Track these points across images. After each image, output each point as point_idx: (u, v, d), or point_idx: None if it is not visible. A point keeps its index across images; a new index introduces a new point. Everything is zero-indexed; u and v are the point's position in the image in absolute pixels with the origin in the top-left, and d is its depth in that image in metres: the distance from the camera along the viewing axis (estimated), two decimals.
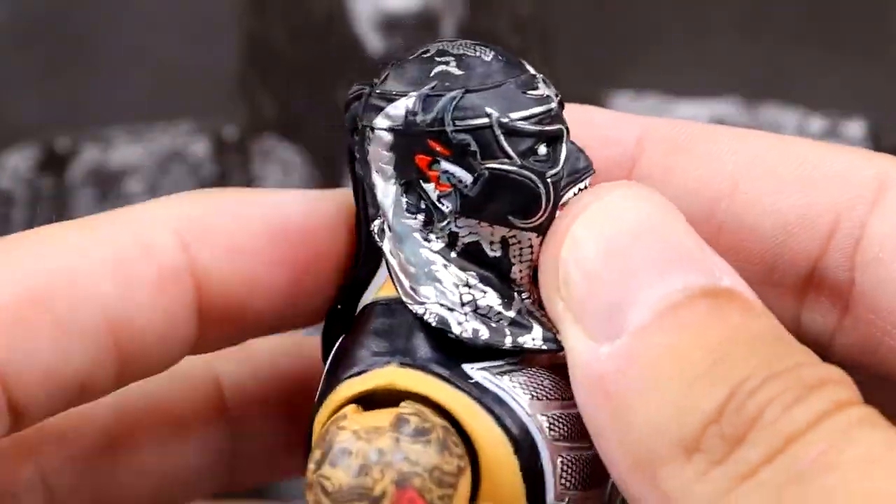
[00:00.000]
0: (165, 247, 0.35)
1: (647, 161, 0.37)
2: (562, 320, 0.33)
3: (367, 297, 0.36)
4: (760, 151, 0.36)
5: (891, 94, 0.63)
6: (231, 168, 0.64)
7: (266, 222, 0.36)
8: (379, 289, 0.36)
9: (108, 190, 0.64)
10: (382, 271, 0.36)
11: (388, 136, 0.35)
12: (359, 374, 0.34)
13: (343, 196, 0.37)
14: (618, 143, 0.37)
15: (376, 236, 0.35)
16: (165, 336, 0.35)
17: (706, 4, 0.63)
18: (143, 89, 0.63)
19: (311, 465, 0.32)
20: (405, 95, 0.34)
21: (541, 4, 0.63)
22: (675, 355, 0.31)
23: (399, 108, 0.34)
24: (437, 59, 0.35)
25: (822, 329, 0.36)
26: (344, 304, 0.37)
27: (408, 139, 0.34)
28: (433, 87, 0.34)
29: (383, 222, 0.35)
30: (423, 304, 0.35)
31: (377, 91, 0.35)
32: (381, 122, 0.35)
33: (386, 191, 0.35)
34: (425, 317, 0.34)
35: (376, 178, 0.35)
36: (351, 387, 0.34)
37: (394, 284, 0.35)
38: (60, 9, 0.62)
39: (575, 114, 0.36)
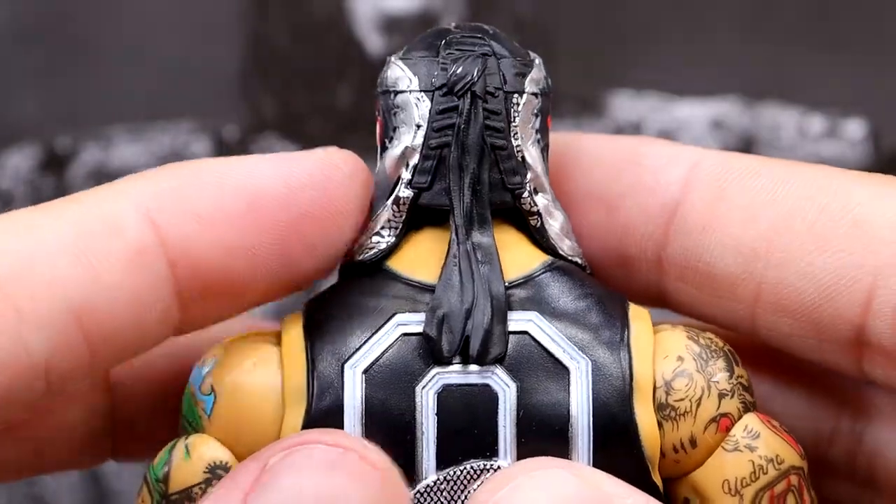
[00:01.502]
0: (131, 224, 0.34)
1: (690, 209, 0.37)
2: None
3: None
4: (800, 201, 0.35)
5: (891, 94, 0.63)
6: None
7: (240, 187, 0.35)
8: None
9: None
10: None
11: (536, 101, 0.36)
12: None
13: (322, 155, 0.36)
14: (664, 189, 0.37)
15: (531, 197, 0.36)
16: (140, 317, 0.34)
17: (706, 4, 0.63)
18: (143, 89, 0.63)
19: (726, 374, 0.35)
20: (534, 60, 0.36)
21: (541, 4, 0.63)
22: None
23: (541, 72, 0.36)
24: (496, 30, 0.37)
25: (888, 382, 0.36)
26: None
27: (547, 101, 0.36)
28: None
29: (532, 185, 0.36)
30: (580, 257, 0.37)
31: (509, 57, 0.36)
32: (530, 86, 0.36)
33: (534, 155, 0.36)
34: (587, 269, 0.37)
35: (527, 144, 0.36)
36: (644, 312, 0.36)
37: (551, 244, 0.36)
38: (60, 9, 0.62)
39: (624, 152, 0.37)
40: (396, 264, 0.36)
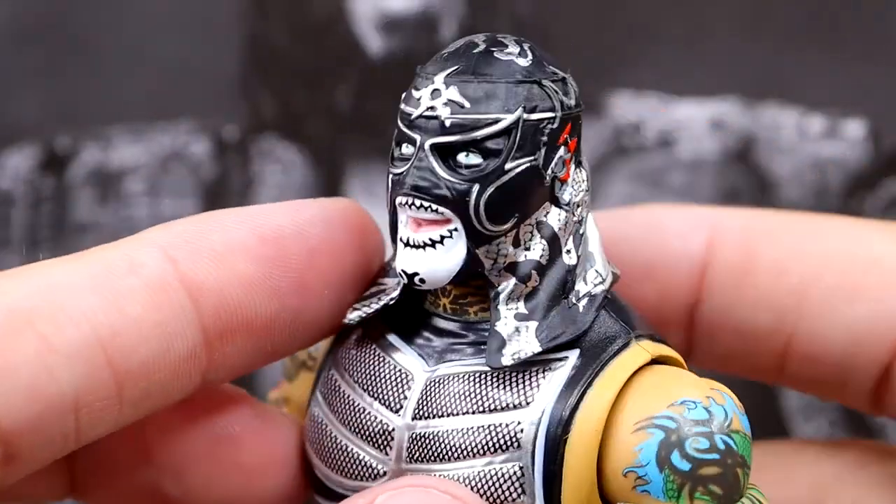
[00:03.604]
0: (151, 261, 0.35)
1: (720, 269, 0.37)
2: None
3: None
4: (829, 254, 0.36)
5: (891, 94, 0.63)
6: (231, 168, 0.64)
7: (252, 225, 0.36)
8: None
9: (108, 190, 0.64)
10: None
11: None
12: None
13: (327, 200, 0.37)
14: (693, 253, 0.38)
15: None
16: (165, 351, 0.34)
17: (706, 4, 0.63)
18: (143, 89, 0.63)
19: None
20: None
21: (541, 4, 0.63)
22: None
23: None
24: None
25: None
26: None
27: None
28: None
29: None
30: None
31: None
32: None
33: None
34: None
35: None
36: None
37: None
38: (60, 9, 0.62)
39: (641, 221, 0.38)
40: None
